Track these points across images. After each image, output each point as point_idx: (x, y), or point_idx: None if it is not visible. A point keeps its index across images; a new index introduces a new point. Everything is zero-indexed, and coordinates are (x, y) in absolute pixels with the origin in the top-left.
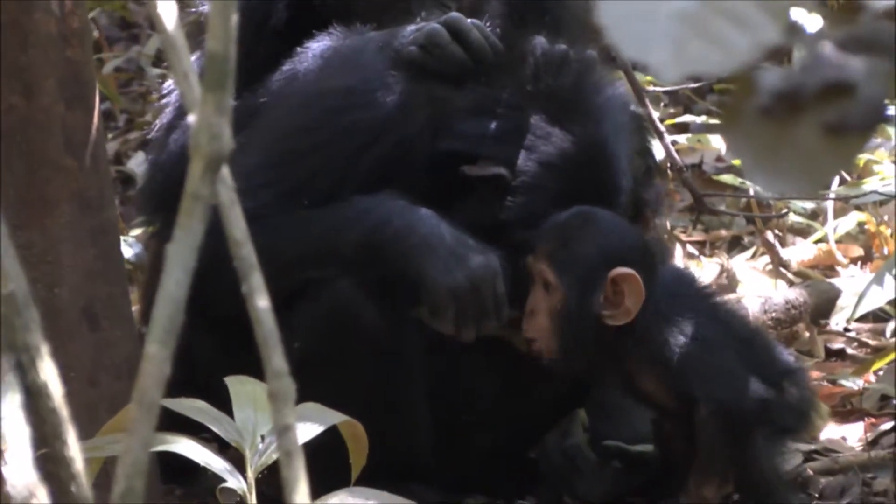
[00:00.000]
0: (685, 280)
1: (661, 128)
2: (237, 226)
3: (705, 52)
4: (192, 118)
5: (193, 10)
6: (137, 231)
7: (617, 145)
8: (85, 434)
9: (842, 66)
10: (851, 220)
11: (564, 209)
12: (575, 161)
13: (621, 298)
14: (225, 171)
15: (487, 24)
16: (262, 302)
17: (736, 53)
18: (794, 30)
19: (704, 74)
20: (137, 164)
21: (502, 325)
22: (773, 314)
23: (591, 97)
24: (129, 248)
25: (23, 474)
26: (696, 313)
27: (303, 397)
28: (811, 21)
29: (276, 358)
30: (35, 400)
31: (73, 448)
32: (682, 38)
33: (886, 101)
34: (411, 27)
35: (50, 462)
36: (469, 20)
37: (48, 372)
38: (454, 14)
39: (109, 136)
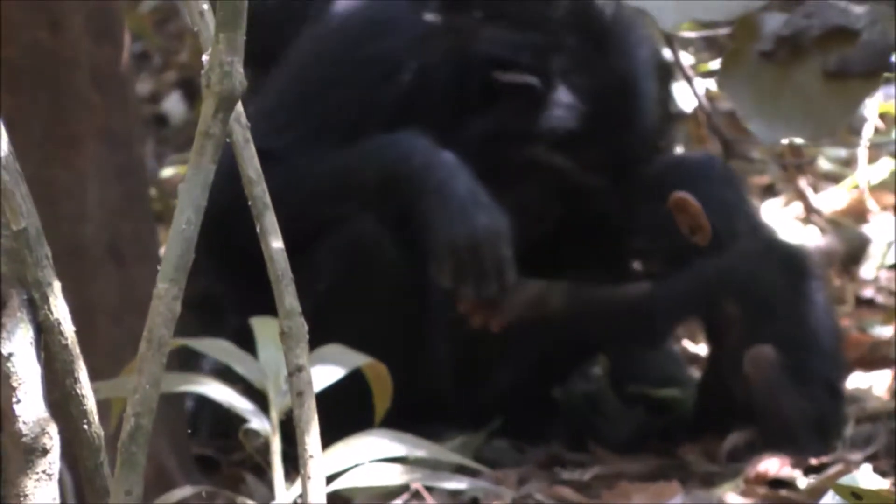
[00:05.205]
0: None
1: (691, 73)
2: (251, 165)
3: None
4: (205, 57)
5: None
6: (171, 170)
7: (646, 85)
8: (110, 374)
9: (845, 11)
10: (884, 167)
11: (587, 132)
12: (606, 89)
13: (689, 219)
14: (239, 108)
15: None
16: (275, 241)
17: None
18: None
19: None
20: (173, 103)
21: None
22: None
23: (625, 32)
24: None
25: (34, 411)
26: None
27: (326, 337)
28: None
29: (288, 297)
30: (47, 336)
31: (85, 385)
32: None
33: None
34: None
35: (62, 399)
36: None
37: (61, 308)
38: None
39: (144, 75)
